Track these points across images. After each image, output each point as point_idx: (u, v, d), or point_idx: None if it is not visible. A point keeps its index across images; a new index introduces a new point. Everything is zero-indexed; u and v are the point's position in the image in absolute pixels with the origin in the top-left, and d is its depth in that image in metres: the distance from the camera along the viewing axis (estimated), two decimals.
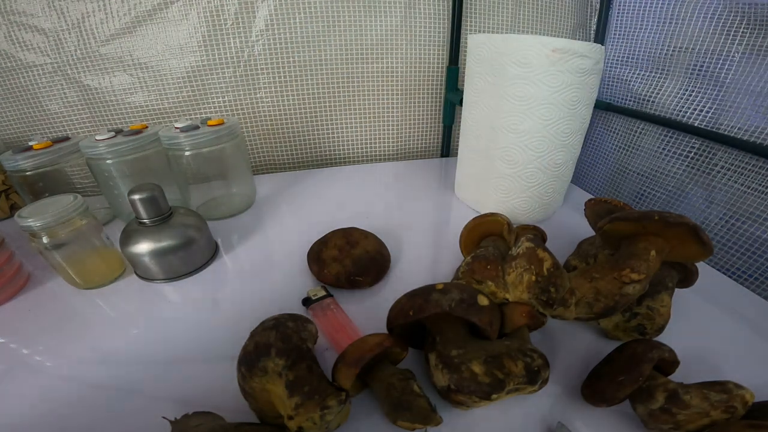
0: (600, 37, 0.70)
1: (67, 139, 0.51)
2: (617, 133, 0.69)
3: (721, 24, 0.51)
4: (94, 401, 0.29)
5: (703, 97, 0.54)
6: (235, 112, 0.68)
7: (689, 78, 0.56)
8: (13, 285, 0.39)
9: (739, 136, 0.50)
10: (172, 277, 0.41)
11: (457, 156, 0.59)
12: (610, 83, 0.69)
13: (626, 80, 0.65)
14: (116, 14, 0.57)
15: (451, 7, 0.67)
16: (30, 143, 0.48)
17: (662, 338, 0.31)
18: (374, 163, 0.80)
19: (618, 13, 0.66)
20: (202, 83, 0.64)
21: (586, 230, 0.44)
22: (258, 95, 0.67)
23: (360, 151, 0.79)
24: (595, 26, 0.73)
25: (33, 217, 0.35)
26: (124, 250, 0.40)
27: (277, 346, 0.24)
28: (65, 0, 0.55)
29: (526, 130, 0.44)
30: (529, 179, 0.47)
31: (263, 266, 0.44)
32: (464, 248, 0.41)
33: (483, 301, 0.27)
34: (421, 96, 0.75)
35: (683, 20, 0.56)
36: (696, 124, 0.55)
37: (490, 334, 0.27)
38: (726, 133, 0.51)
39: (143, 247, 0.39)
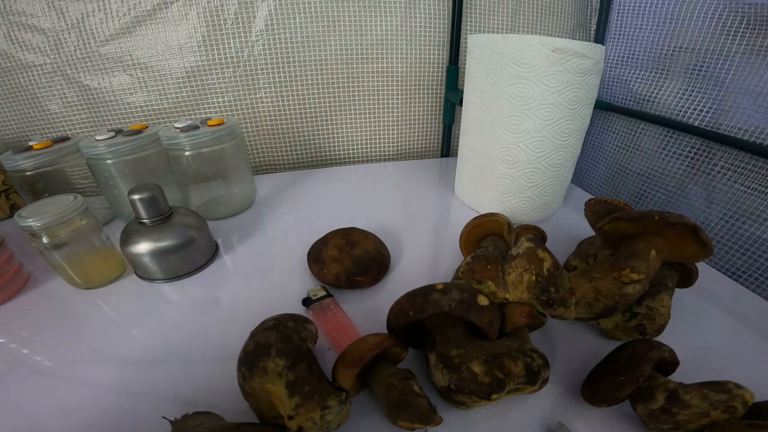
0: (600, 37, 0.70)
1: (67, 139, 0.51)
2: (617, 133, 0.69)
3: (721, 24, 0.51)
4: (94, 401, 0.29)
5: (703, 97, 0.54)
6: (235, 112, 0.68)
7: (689, 78, 0.56)
8: (13, 285, 0.39)
9: (739, 136, 0.50)
10: (172, 277, 0.41)
11: (457, 156, 0.59)
12: (610, 83, 0.69)
13: (626, 80, 0.65)
14: (116, 14, 0.57)
15: (451, 7, 0.67)
16: (30, 143, 0.48)
17: (662, 338, 0.31)
18: (374, 163, 0.80)
19: (618, 13, 0.66)
20: (201, 83, 0.64)
21: (586, 230, 0.44)
22: (258, 95, 0.67)
23: (360, 151, 0.79)
24: (595, 26, 0.73)
25: (33, 217, 0.35)
26: (124, 250, 0.40)
27: (278, 346, 0.24)
28: (65, 0, 0.55)
29: (525, 130, 0.44)
30: (529, 179, 0.47)
31: (263, 266, 0.44)
32: (464, 248, 0.41)
33: (483, 301, 0.27)
34: (421, 96, 0.75)
35: (683, 20, 0.56)
36: (696, 124, 0.55)
37: (490, 334, 0.27)
38: (726, 133, 0.51)
39: (143, 247, 0.39)
